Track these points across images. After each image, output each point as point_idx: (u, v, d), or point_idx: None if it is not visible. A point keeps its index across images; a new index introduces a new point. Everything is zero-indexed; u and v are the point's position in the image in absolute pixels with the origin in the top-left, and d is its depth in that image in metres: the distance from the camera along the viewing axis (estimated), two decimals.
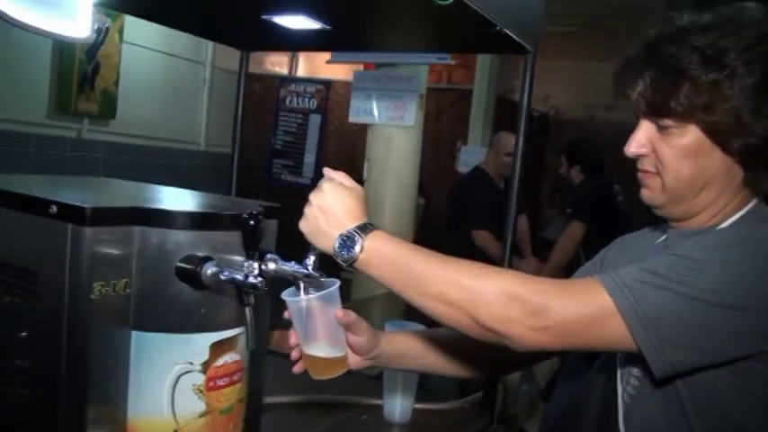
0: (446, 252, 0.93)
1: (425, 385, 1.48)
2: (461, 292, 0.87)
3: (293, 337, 1.03)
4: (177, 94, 5.24)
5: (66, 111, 4.25)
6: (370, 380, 1.52)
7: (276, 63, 6.11)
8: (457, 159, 5.49)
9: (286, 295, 0.97)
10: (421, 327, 1.36)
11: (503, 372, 1.32)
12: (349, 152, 5.47)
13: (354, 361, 1.09)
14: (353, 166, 5.44)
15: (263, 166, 5.45)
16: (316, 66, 6.14)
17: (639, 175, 1.01)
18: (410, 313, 1.55)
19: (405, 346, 1.15)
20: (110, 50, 4.44)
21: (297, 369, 1.05)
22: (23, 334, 0.89)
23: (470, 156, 5.10)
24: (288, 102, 5.63)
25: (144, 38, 4.65)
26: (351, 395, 1.46)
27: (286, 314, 1.00)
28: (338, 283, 0.99)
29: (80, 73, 4.27)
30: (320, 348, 1.00)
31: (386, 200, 3.66)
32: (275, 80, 5.66)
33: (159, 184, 1.27)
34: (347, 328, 1.04)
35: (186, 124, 5.42)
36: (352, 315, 1.03)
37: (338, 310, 1.00)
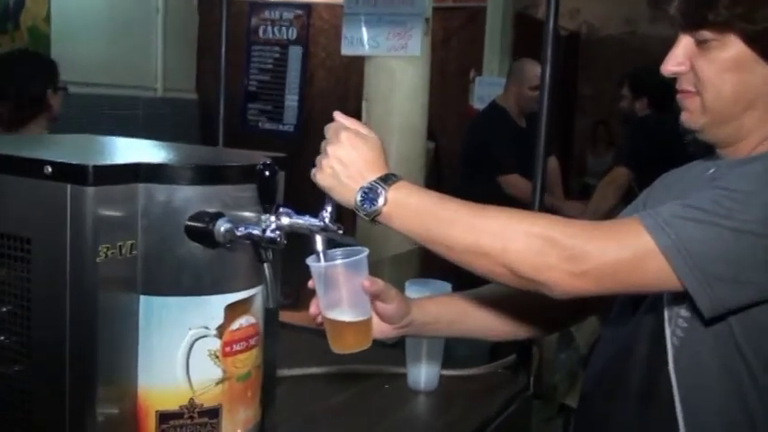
0: None
1: (451, 351, 1.63)
2: (493, 241, 1.00)
3: (314, 306, 1.17)
4: (125, 29, 5.28)
5: None
6: (390, 348, 1.67)
7: None
8: (470, 93, 5.58)
9: (311, 261, 1.11)
10: (445, 285, 1.51)
11: (544, 331, 1.47)
12: (340, 90, 5.56)
13: (383, 330, 1.23)
14: (347, 107, 5.52)
15: (236, 113, 5.56)
16: None
17: (678, 96, 1.14)
18: (427, 272, 1.68)
19: (437, 312, 1.30)
20: None
21: (313, 311, 1.18)
22: (4, 309, 1.02)
23: (486, 88, 5.19)
24: (261, 32, 5.70)
25: None
26: (370, 364, 1.62)
27: (310, 283, 1.14)
28: (366, 251, 1.12)
29: None
30: (343, 312, 1.14)
31: (390, 145, 3.78)
32: (245, 6, 5.71)
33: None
34: (375, 296, 1.18)
35: (139, 66, 5.47)
36: (379, 283, 1.17)
37: (365, 280, 1.13)
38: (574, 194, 4.84)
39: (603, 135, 6.94)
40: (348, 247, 1.14)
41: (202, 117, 5.73)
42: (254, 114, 5.72)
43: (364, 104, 4.10)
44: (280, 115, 5.67)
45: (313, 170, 1.12)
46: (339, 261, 1.11)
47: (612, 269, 0.98)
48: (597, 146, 6.97)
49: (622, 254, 0.99)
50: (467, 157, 3.92)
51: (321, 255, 1.10)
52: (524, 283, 1.00)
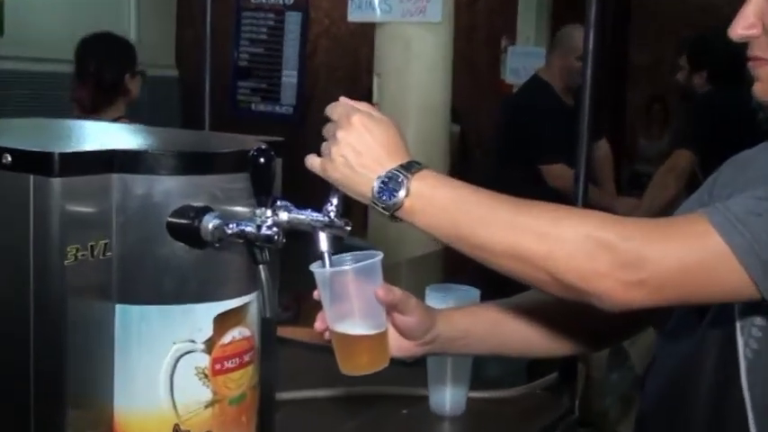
0: None
1: (481, 369, 1.65)
2: (535, 243, 1.01)
3: (320, 321, 1.19)
4: None
5: None
6: (409, 367, 1.68)
7: None
8: (502, 66, 5.59)
9: (315, 267, 1.13)
10: (473, 292, 1.52)
11: (592, 347, 1.48)
12: (347, 64, 5.57)
13: (403, 347, 1.24)
14: (356, 84, 5.53)
15: (224, 92, 5.58)
16: None
17: (749, 64, 1.15)
18: (450, 276, 1.67)
19: (468, 325, 1.31)
20: None
21: (319, 326, 1.20)
22: None
23: (521, 59, 5.20)
24: None
25: None
26: (385, 386, 1.63)
27: (316, 293, 1.16)
28: (381, 254, 1.14)
29: None
30: (354, 325, 1.15)
31: (407, 128, 3.77)
32: None
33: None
34: (392, 307, 1.19)
35: None
36: (396, 292, 1.18)
37: (379, 288, 1.15)
38: (623, 185, 4.80)
39: (659, 114, 6.92)
40: (359, 252, 1.16)
41: (184, 97, 5.75)
42: (245, 94, 5.74)
43: (376, 80, 4.11)
44: (276, 94, 5.69)
45: (316, 160, 1.13)
46: (347, 266, 1.13)
47: (675, 277, 0.99)
48: (651, 127, 6.95)
49: (687, 258, 0.99)
50: (502, 143, 3.93)
51: (326, 257, 1.12)
52: (571, 292, 1.02)
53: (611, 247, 0.99)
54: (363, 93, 4.45)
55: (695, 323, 1.20)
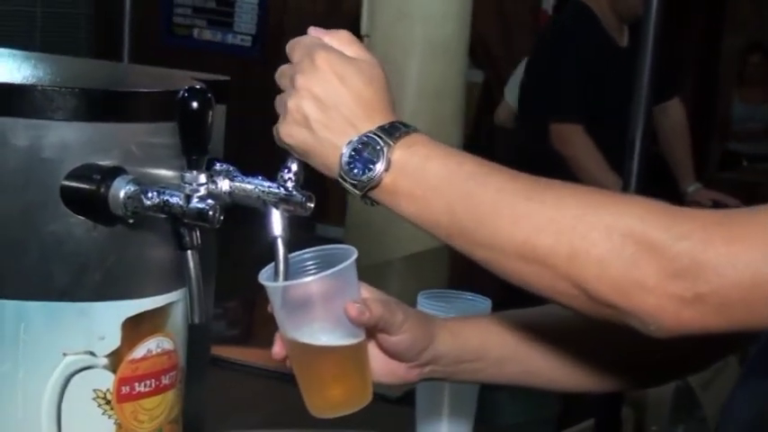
0: (519, 168, 1.07)
1: (490, 407, 1.65)
2: (557, 240, 1.01)
3: (279, 345, 1.19)
4: None
5: None
6: (390, 405, 1.68)
7: None
8: None
9: (265, 276, 1.12)
10: (481, 301, 1.53)
11: (642, 382, 1.48)
12: None
13: (392, 372, 1.25)
14: (339, 9, 5.47)
15: (154, 12, 5.55)
16: None
17: None
18: (454, 278, 1.64)
19: (482, 343, 1.31)
20: None
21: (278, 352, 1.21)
22: None
23: None
24: None
25: None
26: (359, 429, 1.63)
27: (270, 307, 1.16)
28: (355, 253, 1.14)
29: None
30: (321, 330, 1.16)
31: (407, 74, 3.73)
32: None
33: None
34: (372, 328, 1.19)
35: None
36: (375, 308, 1.17)
37: (349, 304, 1.14)
38: (708, 169, 4.79)
39: (760, 68, 6.87)
40: (325, 247, 1.18)
41: (98, 17, 5.73)
42: (184, 15, 5.70)
43: (365, 4, 4.09)
44: (229, 18, 5.65)
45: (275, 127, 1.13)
46: (310, 278, 1.14)
47: (747, 292, 0.97)
48: (748, 85, 6.91)
49: (765, 266, 1.00)
50: (527, 94, 3.94)
51: (280, 251, 1.12)
52: (602, 310, 1.01)
53: (659, 249, 0.98)
54: (349, 20, 4.45)
55: None
